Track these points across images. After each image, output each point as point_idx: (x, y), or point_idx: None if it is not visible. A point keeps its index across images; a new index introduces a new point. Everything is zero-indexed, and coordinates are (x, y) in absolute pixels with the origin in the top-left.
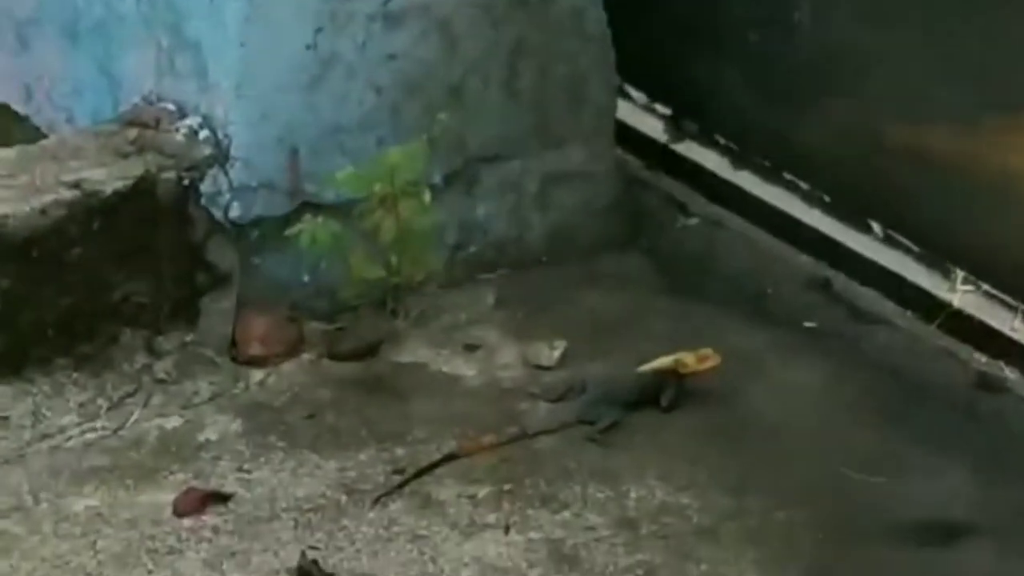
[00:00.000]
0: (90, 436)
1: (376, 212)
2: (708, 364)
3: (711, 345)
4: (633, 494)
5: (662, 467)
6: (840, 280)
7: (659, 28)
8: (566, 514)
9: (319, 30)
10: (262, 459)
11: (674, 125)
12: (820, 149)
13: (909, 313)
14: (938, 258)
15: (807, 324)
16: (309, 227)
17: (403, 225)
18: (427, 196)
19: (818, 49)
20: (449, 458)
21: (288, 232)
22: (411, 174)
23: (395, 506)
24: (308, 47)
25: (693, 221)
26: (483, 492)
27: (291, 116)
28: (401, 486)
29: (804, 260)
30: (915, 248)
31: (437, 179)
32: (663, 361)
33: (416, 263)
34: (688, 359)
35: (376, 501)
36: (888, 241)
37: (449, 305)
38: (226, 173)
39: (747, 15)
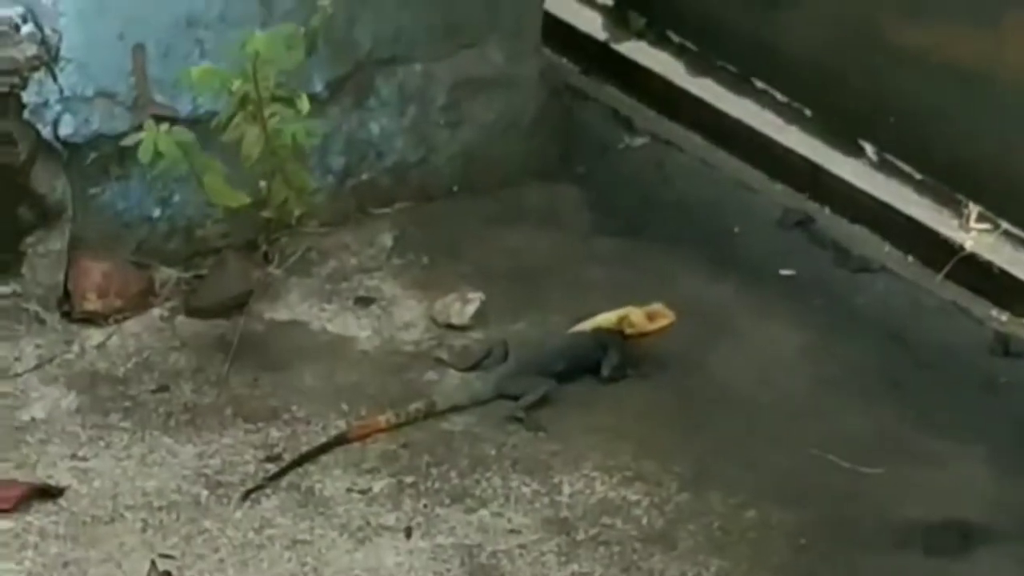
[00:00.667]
0: None
1: (237, 118)
2: (660, 323)
3: (663, 299)
4: (567, 488)
5: (603, 454)
6: (824, 217)
7: None
8: (483, 513)
9: None
10: (102, 443)
11: (617, 19)
12: (800, 51)
13: (911, 259)
14: (947, 189)
15: (783, 272)
16: (150, 136)
17: (273, 136)
18: (304, 102)
19: None
20: (337, 442)
21: (125, 142)
22: (280, 66)
23: (269, 503)
24: None
25: (640, 141)
26: (379, 485)
27: (136, 5)
28: (276, 477)
29: (779, 191)
30: (917, 176)
31: (319, 87)
32: (604, 319)
33: (291, 188)
34: (635, 317)
35: (245, 497)
36: (884, 167)
37: (336, 247)
38: (55, 78)
39: None
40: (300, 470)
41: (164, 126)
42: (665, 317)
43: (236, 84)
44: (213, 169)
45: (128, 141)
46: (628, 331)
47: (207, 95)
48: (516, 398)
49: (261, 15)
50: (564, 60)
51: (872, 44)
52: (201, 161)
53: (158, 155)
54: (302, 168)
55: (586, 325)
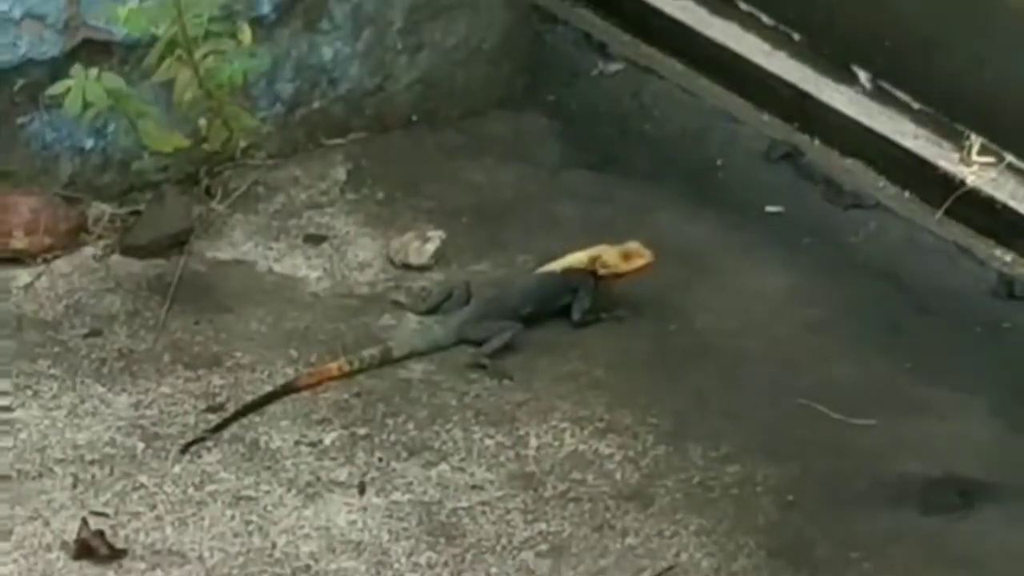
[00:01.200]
0: None
1: (166, 61)
2: (636, 263)
3: (639, 237)
4: (534, 441)
5: (573, 404)
6: (814, 149)
7: None
8: (443, 468)
9: None
10: (29, 392)
11: None
12: None
13: (908, 194)
14: (947, 119)
15: (769, 208)
16: (79, 83)
17: (206, 78)
18: (246, 34)
19: None
20: (285, 391)
21: (52, 90)
22: (211, 8)
23: (210, 456)
24: None
25: (615, 67)
26: (330, 438)
27: None
28: (219, 429)
29: (765, 121)
30: (914, 104)
31: (267, 8)
32: (575, 259)
33: (231, 128)
34: (609, 256)
35: (185, 450)
36: (879, 95)
37: (284, 181)
38: None
39: None
40: (245, 421)
41: (93, 72)
42: (641, 257)
43: (161, 28)
44: (147, 114)
45: (54, 90)
46: (601, 271)
47: None
48: (479, 344)
49: None
50: None
51: None
52: (133, 106)
53: (85, 106)
54: (241, 109)
55: (555, 265)
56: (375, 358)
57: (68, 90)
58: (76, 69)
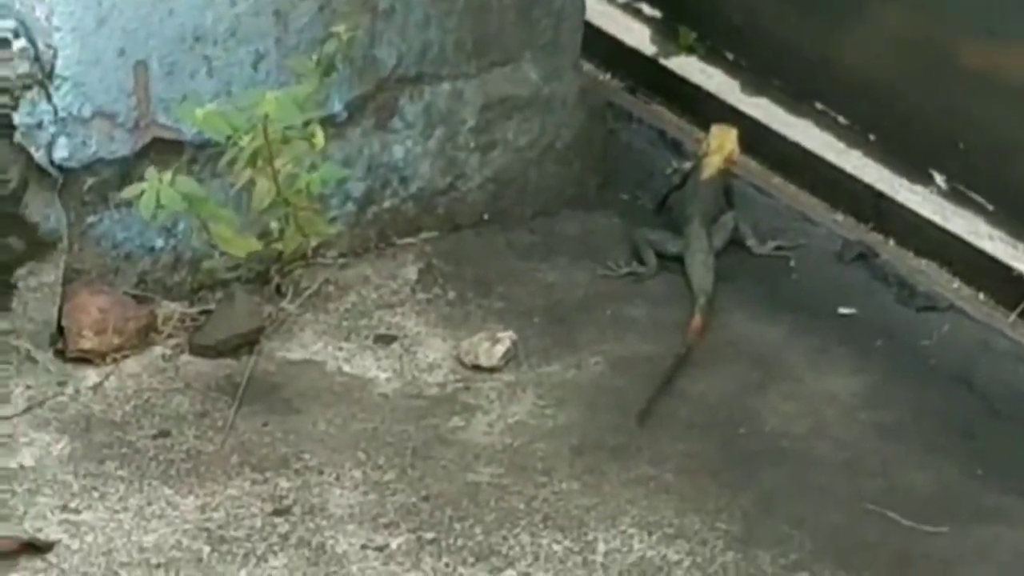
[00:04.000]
0: None
1: (246, 171)
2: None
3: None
4: (602, 546)
5: (642, 509)
6: (888, 250)
7: None
8: (510, 573)
9: None
10: (95, 494)
11: (667, 33)
12: (864, 70)
13: (982, 296)
14: (1020, 221)
15: (842, 311)
16: (152, 187)
17: (284, 186)
18: (319, 137)
19: None
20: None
21: (125, 194)
22: (291, 120)
23: (276, 560)
24: None
25: (689, 165)
26: (397, 542)
27: (138, 19)
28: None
29: (840, 221)
30: (989, 206)
31: (338, 107)
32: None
33: (306, 229)
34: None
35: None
36: (954, 197)
37: (355, 280)
38: (49, 98)
39: None
40: (311, 524)
41: (167, 176)
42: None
43: (244, 140)
44: (220, 217)
45: (127, 193)
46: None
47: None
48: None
49: (276, 30)
50: (608, 77)
51: (942, 64)
52: (207, 210)
53: (160, 208)
54: (316, 213)
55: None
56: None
57: (142, 193)
58: (150, 172)
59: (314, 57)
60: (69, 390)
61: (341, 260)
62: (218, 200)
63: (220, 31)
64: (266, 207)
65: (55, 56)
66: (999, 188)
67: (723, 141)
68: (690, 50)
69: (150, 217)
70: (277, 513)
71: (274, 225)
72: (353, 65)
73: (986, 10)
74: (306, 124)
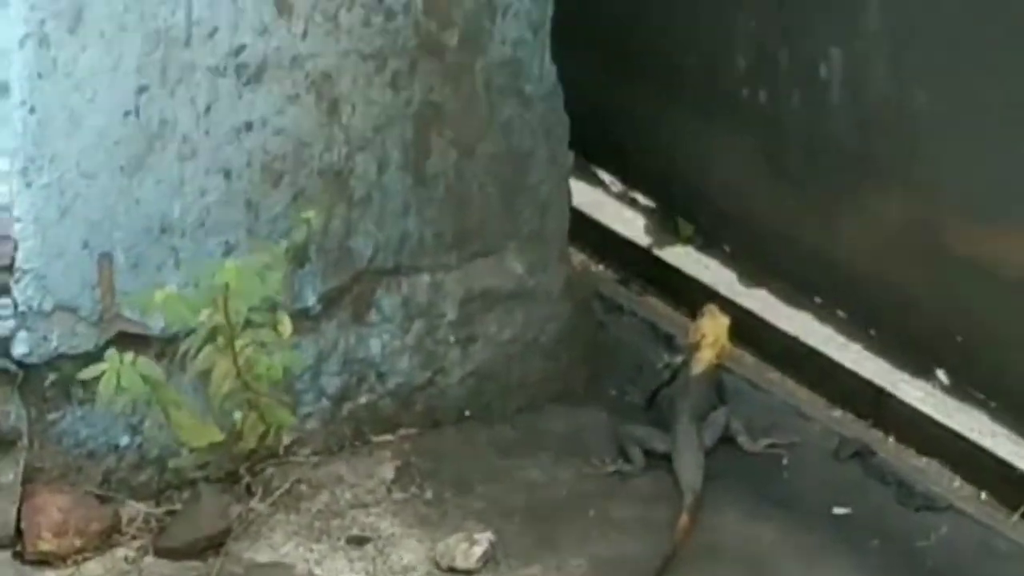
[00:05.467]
0: None
1: (206, 349)
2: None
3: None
4: None
5: None
6: (887, 447)
7: (638, 86)
8: None
9: (143, 89)
10: None
11: (663, 223)
12: (864, 263)
13: (983, 495)
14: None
15: (837, 510)
16: (112, 368)
17: (245, 369)
18: (285, 324)
19: (859, 116)
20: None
21: (83, 374)
22: (253, 298)
23: None
24: (127, 114)
25: (680, 359)
26: None
27: (103, 209)
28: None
29: (837, 417)
30: (992, 403)
31: (312, 300)
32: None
33: (268, 417)
34: (719, 336)
35: None
36: (955, 392)
37: (329, 479)
38: (9, 292)
39: (759, 68)
40: None
41: (128, 356)
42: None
43: (204, 314)
44: (182, 405)
45: (87, 374)
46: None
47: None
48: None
49: (246, 220)
50: (600, 268)
51: (944, 257)
52: (168, 396)
53: (120, 390)
54: (279, 403)
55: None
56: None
57: (102, 373)
58: (109, 353)
59: (283, 243)
60: None
61: (315, 458)
62: (183, 390)
63: (188, 222)
64: (225, 391)
65: (15, 248)
66: (1000, 384)
67: (715, 333)
68: (687, 240)
69: (108, 400)
70: None
71: (237, 416)
72: (327, 256)
73: (983, 198)
74: (273, 309)
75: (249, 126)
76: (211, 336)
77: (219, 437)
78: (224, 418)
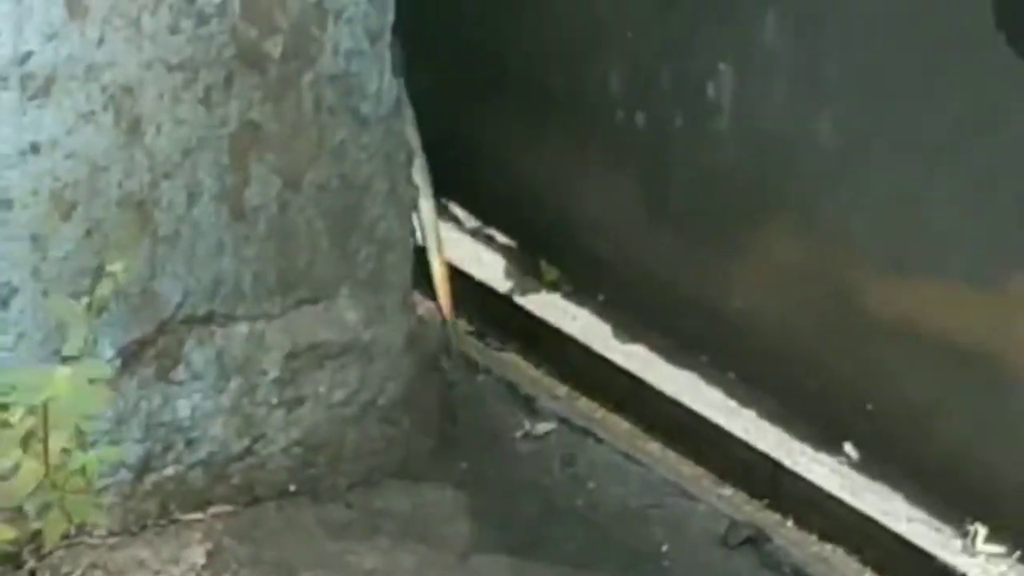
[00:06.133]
0: None
1: (14, 451)
2: None
3: None
4: None
5: None
6: (784, 532)
7: (496, 106)
8: None
9: None
10: None
11: (526, 266)
12: (757, 315)
13: None
14: (946, 501)
15: None
16: None
17: (59, 468)
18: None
19: (754, 146)
20: None
21: None
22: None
23: None
24: None
25: (545, 428)
26: None
27: None
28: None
29: (727, 496)
30: (908, 482)
31: (109, 353)
32: None
33: (74, 515)
34: None
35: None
36: (865, 468)
37: (128, 564)
38: None
39: (636, 87)
40: None
41: None
42: None
43: (16, 417)
44: None
45: None
46: None
47: None
48: None
49: (32, 258)
50: (449, 318)
51: (853, 311)
52: None
53: None
54: (86, 494)
55: None
56: None
57: None
58: None
59: (84, 300)
60: None
61: (112, 539)
62: None
63: None
64: (31, 491)
65: None
66: (917, 460)
67: None
68: (553, 286)
69: None
70: None
71: (29, 508)
72: (128, 302)
73: (898, 245)
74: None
75: (36, 148)
76: (24, 443)
77: (10, 535)
78: (19, 517)
